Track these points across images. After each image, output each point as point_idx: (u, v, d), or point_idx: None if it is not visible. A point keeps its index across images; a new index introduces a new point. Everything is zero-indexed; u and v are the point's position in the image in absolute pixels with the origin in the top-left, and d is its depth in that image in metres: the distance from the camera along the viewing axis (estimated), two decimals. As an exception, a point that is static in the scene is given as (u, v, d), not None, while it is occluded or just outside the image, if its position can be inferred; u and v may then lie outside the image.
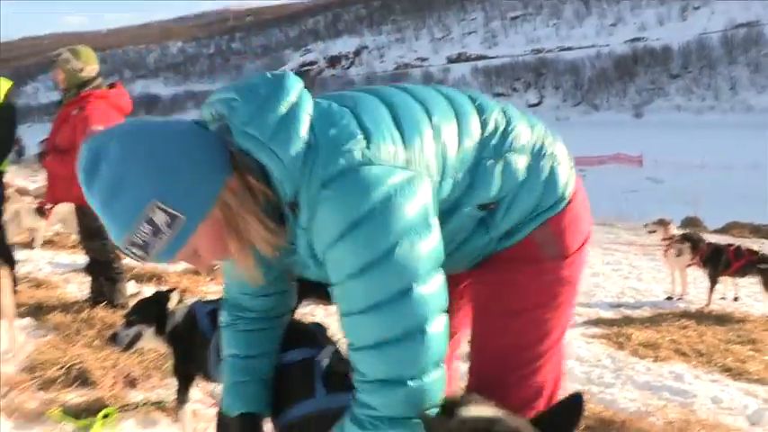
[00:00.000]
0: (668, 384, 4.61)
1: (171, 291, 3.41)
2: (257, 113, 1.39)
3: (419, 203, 1.39)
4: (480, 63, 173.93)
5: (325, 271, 1.46)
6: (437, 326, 1.40)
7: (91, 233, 5.56)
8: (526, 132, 1.65)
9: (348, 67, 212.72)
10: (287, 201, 1.43)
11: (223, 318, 1.90)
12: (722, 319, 6.72)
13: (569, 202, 1.67)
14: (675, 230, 8.19)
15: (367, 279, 1.36)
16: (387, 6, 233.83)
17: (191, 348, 3.02)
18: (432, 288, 1.40)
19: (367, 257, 1.35)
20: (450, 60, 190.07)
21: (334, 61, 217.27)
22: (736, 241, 9.38)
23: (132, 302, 5.80)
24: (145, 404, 3.67)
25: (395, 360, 1.38)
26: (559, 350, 1.71)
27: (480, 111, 1.63)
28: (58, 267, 7.65)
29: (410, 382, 1.39)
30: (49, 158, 5.43)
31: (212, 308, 2.95)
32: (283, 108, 1.40)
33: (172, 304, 3.29)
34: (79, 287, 6.58)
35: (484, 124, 1.61)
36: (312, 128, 1.40)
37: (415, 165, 1.43)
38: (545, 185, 1.63)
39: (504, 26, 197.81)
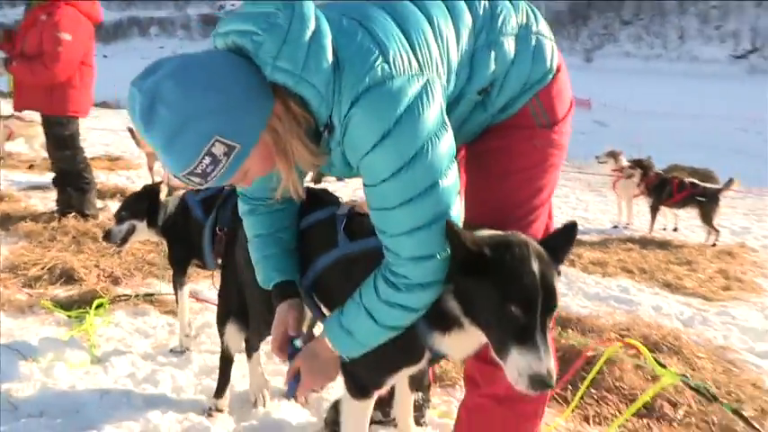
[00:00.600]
0: (615, 295, 5.04)
1: (159, 183, 3.52)
2: (285, 47, 1.48)
3: (436, 107, 1.55)
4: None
5: (353, 172, 1.67)
6: (456, 208, 1.61)
7: (59, 143, 5.51)
8: (512, 15, 1.80)
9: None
10: (323, 123, 1.58)
11: (243, 208, 2.03)
12: (663, 245, 7.24)
13: (556, 74, 1.86)
14: (625, 162, 8.60)
15: (399, 180, 1.54)
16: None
17: (186, 236, 3.19)
18: (451, 179, 1.59)
19: (398, 162, 1.52)
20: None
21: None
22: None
23: (103, 215, 5.92)
24: (136, 296, 3.84)
25: (426, 241, 1.59)
26: (549, 207, 1.95)
27: (469, 2, 1.77)
28: (14, 185, 7.55)
29: (438, 255, 1.61)
30: (15, 65, 5.31)
31: (203, 196, 3.12)
32: (307, 37, 1.49)
33: (162, 196, 3.41)
34: (42, 201, 6.55)
35: (475, 15, 1.76)
36: (334, 51, 1.51)
37: (426, 69, 1.56)
38: (533, 61, 1.80)
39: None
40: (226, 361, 2.72)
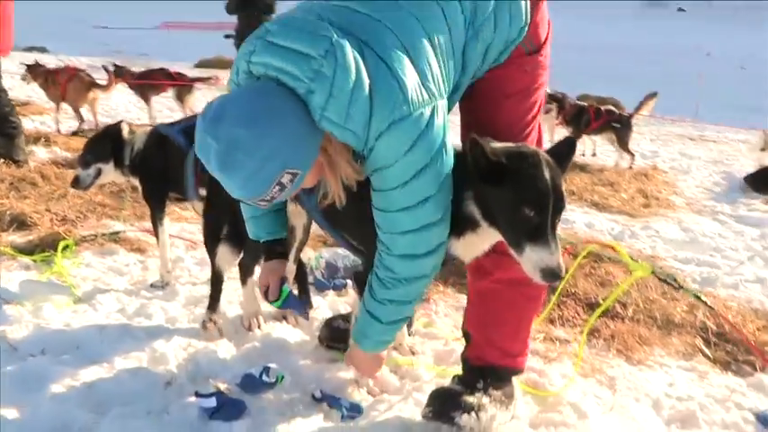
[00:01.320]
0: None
1: (120, 122, 3.46)
2: (331, 100, 1.69)
3: (440, 126, 1.80)
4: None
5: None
6: (446, 218, 1.90)
7: (-17, 86, 5.21)
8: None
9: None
10: (358, 153, 1.83)
11: None
12: (585, 169, 7.72)
13: (537, 6, 2.01)
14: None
15: (405, 190, 1.81)
16: None
17: (162, 169, 3.19)
18: (446, 193, 1.87)
19: (408, 175, 1.80)
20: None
21: None
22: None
23: (31, 160, 5.66)
24: (102, 235, 3.80)
25: (415, 242, 1.90)
26: (538, 122, 2.17)
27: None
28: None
29: (423, 257, 1.91)
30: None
31: (184, 126, 3.11)
32: (349, 87, 1.69)
33: (125, 134, 3.37)
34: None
35: (464, 13, 1.89)
36: (369, 96, 1.71)
37: (432, 95, 1.78)
38: (511, 25, 1.94)
39: None
40: (216, 279, 2.83)
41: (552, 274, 1.77)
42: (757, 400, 2.53)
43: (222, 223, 2.73)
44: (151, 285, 3.26)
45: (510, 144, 1.91)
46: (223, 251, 2.75)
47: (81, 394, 2.17)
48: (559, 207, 1.83)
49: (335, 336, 2.67)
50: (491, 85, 2.04)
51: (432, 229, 1.88)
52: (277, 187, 1.76)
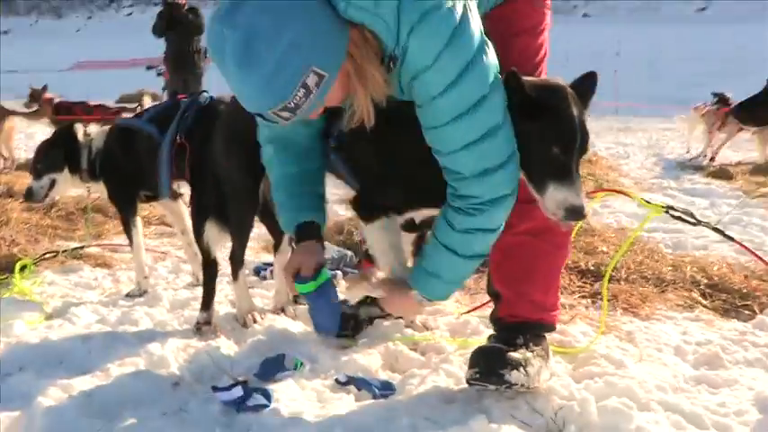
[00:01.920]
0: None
1: (71, 125, 3.21)
2: None
3: (477, 24, 1.66)
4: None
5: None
6: (507, 121, 1.73)
7: None
8: None
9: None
10: (389, 53, 1.64)
11: (268, 153, 2.06)
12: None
13: None
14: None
15: (451, 95, 1.63)
16: None
17: (129, 166, 2.97)
18: (499, 93, 1.70)
19: (450, 76, 1.62)
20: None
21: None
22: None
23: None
24: (64, 251, 3.50)
25: (485, 154, 1.70)
26: (546, 63, 2.11)
27: None
28: None
29: (502, 167, 1.72)
30: None
31: (151, 115, 2.90)
32: None
33: (81, 136, 3.12)
34: None
35: None
36: None
37: None
38: None
39: None
40: (209, 269, 2.67)
41: (576, 212, 1.72)
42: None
43: (210, 206, 2.60)
44: (127, 295, 3.01)
45: (536, 78, 1.85)
46: (210, 228, 2.61)
47: (78, 404, 1.91)
48: (585, 146, 1.79)
49: (344, 323, 2.52)
50: (499, 23, 1.96)
51: (496, 134, 1.69)
52: (302, 90, 1.57)
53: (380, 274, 2.18)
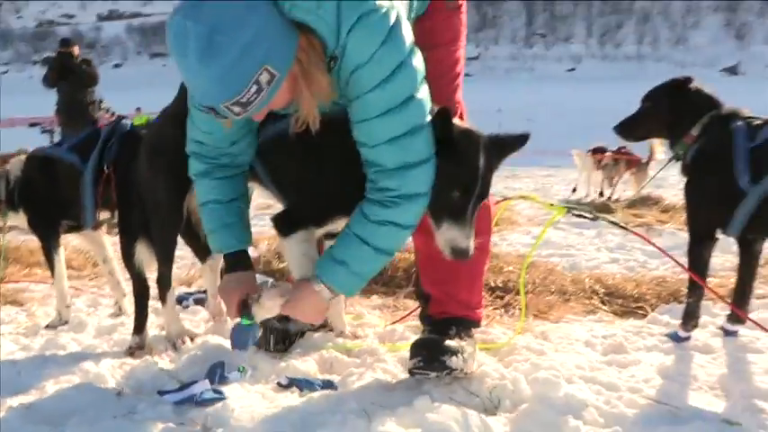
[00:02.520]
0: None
1: None
2: None
3: (408, 30, 1.81)
4: (135, 21, 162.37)
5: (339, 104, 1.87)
6: (429, 126, 1.86)
7: None
8: None
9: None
10: (330, 54, 1.77)
11: (198, 168, 2.12)
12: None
13: None
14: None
15: (382, 91, 1.77)
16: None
17: (49, 194, 2.93)
18: (425, 93, 1.85)
19: (382, 75, 1.76)
20: (101, 18, 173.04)
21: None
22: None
23: None
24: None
25: (407, 149, 1.83)
26: (462, 77, 2.32)
27: None
28: None
29: (420, 164, 1.84)
30: None
31: (72, 143, 2.89)
32: None
33: None
34: None
35: None
36: None
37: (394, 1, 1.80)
38: None
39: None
40: (141, 291, 2.65)
41: (461, 253, 1.92)
42: (660, 329, 2.86)
43: (138, 228, 2.60)
44: (47, 326, 2.91)
45: (460, 123, 2.01)
46: (140, 249, 2.61)
47: (20, 414, 1.86)
48: (484, 194, 1.98)
49: (275, 337, 2.58)
50: (422, 34, 2.06)
51: (419, 133, 1.82)
52: (254, 87, 1.66)
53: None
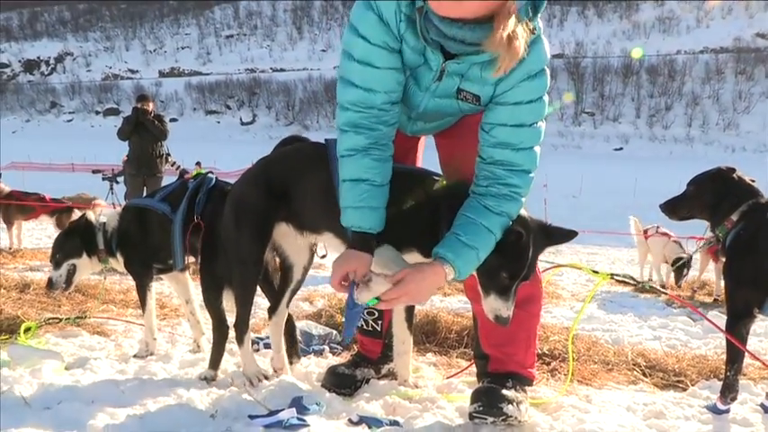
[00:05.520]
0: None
1: (84, 215, 3.53)
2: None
3: None
4: (194, 79, 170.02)
5: (484, 94, 2.22)
6: None
7: None
8: None
9: (49, 74, 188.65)
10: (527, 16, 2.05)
11: (355, 142, 2.26)
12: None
13: None
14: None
15: (538, 104, 2.21)
16: (94, 11, 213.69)
17: (143, 241, 3.30)
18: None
19: (544, 89, 2.21)
20: (163, 74, 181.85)
21: (31, 66, 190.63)
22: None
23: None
24: (67, 319, 3.69)
25: (535, 157, 2.27)
26: None
27: None
28: None
29: (532, 173, 2.28)
30: None
31: (163, 195, 3.27)
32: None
33: (95, 222, 3.46)
34: None
35: None
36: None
37: None
38: None
39: (218, 43, 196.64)
40: (221, 331, 2.93)
41: (501, 321, 2.26)
42: (700, 402, 3.02)
43: (222, 275, 2.89)
44: (135, 356, 3.24)
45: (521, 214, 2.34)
46: (227, 296, 2.90)
47: (134, 423, 2.17)
48: (527, 276, 2.31)
49: (341, 382, 2.83)
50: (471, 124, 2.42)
51: (540, 144, 2.27)
52: None
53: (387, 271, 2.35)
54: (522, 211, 2.35)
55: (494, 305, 2.25)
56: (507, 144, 2.22)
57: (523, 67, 2.12)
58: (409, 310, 2.85)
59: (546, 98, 2.24)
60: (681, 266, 7.84)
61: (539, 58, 2.14)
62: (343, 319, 2.40)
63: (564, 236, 2.40)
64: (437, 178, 2.54)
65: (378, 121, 2.25)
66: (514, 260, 2.24)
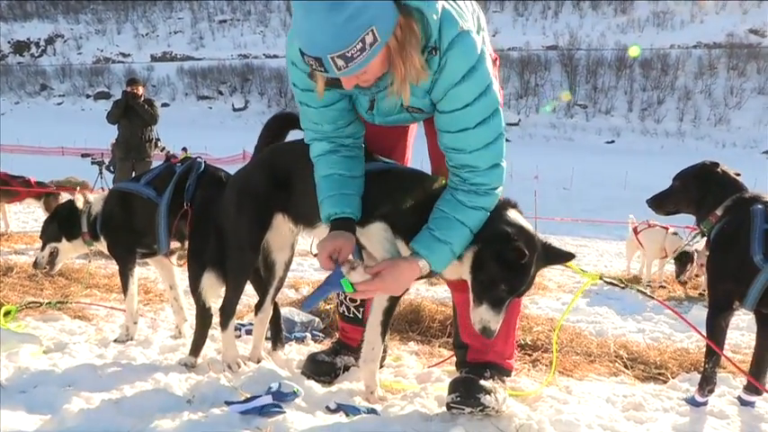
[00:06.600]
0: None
1: (69, 200, 3.52)
2: None
3: (488, 55, 2.18)
4: (186, 64, 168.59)
5: (426, 105, 2.21)
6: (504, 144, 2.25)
7: None
8: None
9: (39, 56, 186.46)
10: (430, 45, 2.05)
11: (322, 148, 2.38)
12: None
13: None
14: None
15: (479, 104, 2.13)
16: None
17: (127, 225, 3.27)
18: (501, 105, 2.22)
19: (479, 90, 2.11)
20: (155, 58, 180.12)
21: (20, 47, 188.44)
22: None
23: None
24: (48, 303, 3.67)
25: (496, 152, 2.21)
26: None
27: None
28: None
29: (502, 164, 2.23)
30: None
31: (148, 179, 3.23)
32: None
33: (80, 205, 3.43)
34: None
35: None
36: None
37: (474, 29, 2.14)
38: None
39: (211, 29, 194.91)
40: (204, 318, 2.90)
41: (487, 332, 2.21)
42: (679, 394, 3.04)
43: (206, 258, 2.86)
44: (114, 341, 3.21)
45: (522, 224, 2.31)
46: (208, 278, 2.85)
47: (110, 407, 2.15)
48: (522, 293, 2.31)
49: (321, 369, 2.84)
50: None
51: (501, 138, 2.20)
52: (360, 45, 1.87)
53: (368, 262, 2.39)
54: (529, 227, 2.34)
55: (484, 316, 2.20)
56: (457, 149, 2.22)
57: (445, 76, 2.11)
58: (387, 312, 2.71)
59: (495, 86, 2.17)
60: (684, 260, 7.69)
61: (458, 65, 2.08)
62: (316, 295, 2.32)
63: (562, 257, 2.40)
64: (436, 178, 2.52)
65: (337, 136, 2.39)
66: (517, 276, 2.20)
